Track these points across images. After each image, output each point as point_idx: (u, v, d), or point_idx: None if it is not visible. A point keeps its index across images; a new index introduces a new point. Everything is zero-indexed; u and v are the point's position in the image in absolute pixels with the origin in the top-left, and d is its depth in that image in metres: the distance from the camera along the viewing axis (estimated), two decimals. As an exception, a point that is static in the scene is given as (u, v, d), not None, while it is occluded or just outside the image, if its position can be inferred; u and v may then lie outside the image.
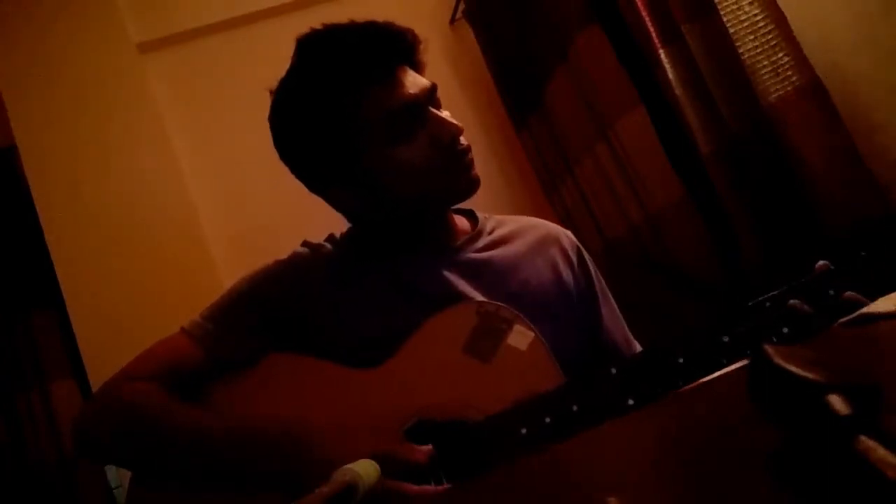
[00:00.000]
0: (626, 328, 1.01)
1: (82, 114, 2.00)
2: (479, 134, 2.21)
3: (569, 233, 1.04)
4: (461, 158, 0.85)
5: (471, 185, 0.87)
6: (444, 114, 0.87)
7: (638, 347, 0.99)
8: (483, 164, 2.36)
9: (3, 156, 2.09)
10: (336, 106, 0.83)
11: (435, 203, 0.90)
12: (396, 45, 0.85)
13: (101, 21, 2.07)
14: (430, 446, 0.73)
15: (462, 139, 0.85)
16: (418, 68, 0.88)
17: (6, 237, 2.09)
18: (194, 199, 2.02)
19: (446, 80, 2.23)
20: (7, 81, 1.99)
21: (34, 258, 2.00)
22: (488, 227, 0.99)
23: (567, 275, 0.96)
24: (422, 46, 0.88)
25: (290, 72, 0.89)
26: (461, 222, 0.99)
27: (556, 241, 1.00)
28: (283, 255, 0.97)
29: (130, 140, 2.01)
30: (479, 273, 0.91)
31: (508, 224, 1.01)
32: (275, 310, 0.89)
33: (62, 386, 2.01)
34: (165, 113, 2.07)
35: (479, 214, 1.01)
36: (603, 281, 1.02)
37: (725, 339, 0.71)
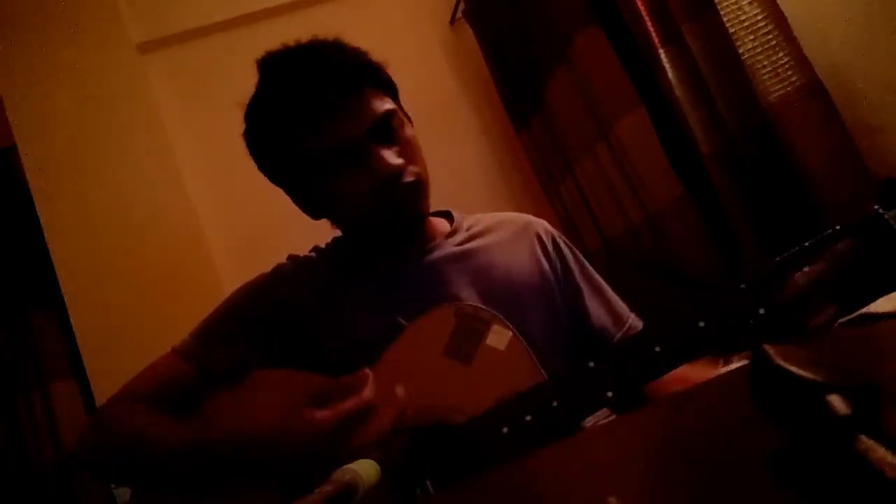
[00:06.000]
0: (619, 307, 1.01)
1: (82, 114, 2.00)
2: (479, 134, 2.21)
3: (544, 222, 1.05)
4: (399, 194, 0.85)
5: (411, 219, 0.89)
6: (408, 131, 0.88)
7: (637, 323, 1.00)
8: (483, 164, 2.36)
9: (3, 156, 2.09)
10: (282, 138, 0.87)
11: (381, 230, 0.91)
12: (341, 75, 0.84)
13: (101, 21, 2.07)
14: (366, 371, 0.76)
15: (407, 175, 0.85)
16: (383, 89, 0.89)
17: (6, 237, 2.09)
18: (194, 198, 2.02)
19: (446, 80, 2.23)
20: (7, 81, 1.99)
21: (34, 258, 2.00)
22: (465, 225, 1.01)
23: (544, 263, 0.98)
24: (382, 67, 0.89)
25: (252, 101, 0.91)
26: (440, 224, 1.01)
27: (533, 230, 1.02)
28: (283, 255, 0.99)
29: (130, 140, 2.00)
30: (459, 267, 0.93)
31: (484, 220, 1.03)
32: (261, 322, 0.91)
33: (62, 386, 2.01)
34: (165, 113, 2.07)
35: (456, 214, 1.03)
36: (586, 265, 1.02)
37: (701, 324, 0.70)
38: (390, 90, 0.91)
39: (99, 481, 1.78)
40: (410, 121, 0.93)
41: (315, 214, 0.95)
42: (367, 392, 0.75)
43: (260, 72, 0.90)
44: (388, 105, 0.87)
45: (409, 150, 0.88)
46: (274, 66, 0.88)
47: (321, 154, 0.84)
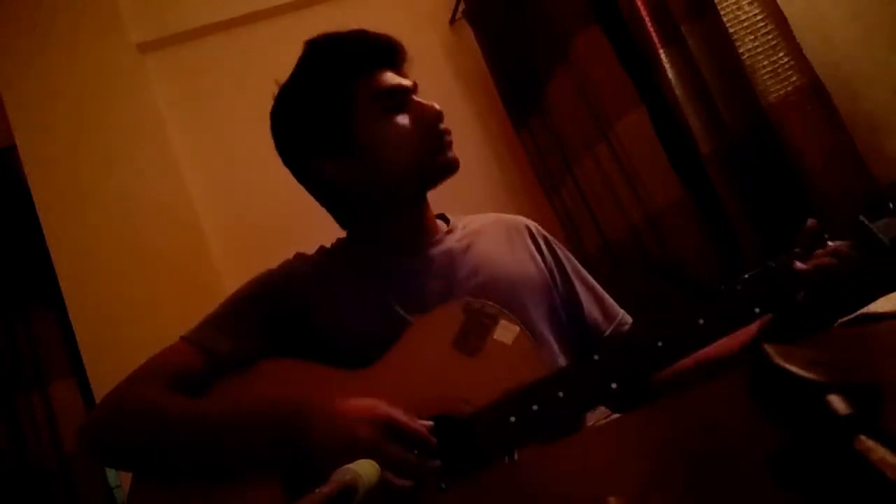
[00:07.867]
0: (609, 302, 1.03)
1: (82, 114, 2.00)
2: (479, 134, 2.21)
3: (531, 221, 1.08)
4: (441, 137, 0.93)
5: (450, 164, 0.94)
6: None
7: (627, 318, 1.02)
8: (483, 164, 2.36)
9: (3, 156, 2.09)
10: (334, 89, 0.93)
11: (416, 178, 0.94)
12: (389, 48, 0.96)
13: (101, 21, 2.07)
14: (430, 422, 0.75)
15: (443, 121, 0.93)
16: (402, 74, 0.98)
17: (6, 237, 2.10)
18: (194, 198, 2.02)
19: (446, 80, 2.23)
20: (7, 81, 1.99)
21: (34, 258, 2.01)
22: (460, 225, 1.04)
23: (539, 259, 1.01)
24: (409, 56, 0.99)
25: (296, 67, 0.97)
26: (439, 223, 1.04)
27: (525, 228, 1.05)
28: (283, 255, 1.00)
29: (130, 140, 2.00)
30: (461, 262, 0.95)
31: (477, 220, 1.07)
32: (272, 311, 0.92)
33: (62, 386, 2.02)
34: (165, 113, 2.07)
35: (451, 216, 1.07)
36: (575, 261, 1.05)
37: (701, 321, 0.75)
38: None
39: (103, 464, 1.78)
40: None
41: (338, 172, 0.95)
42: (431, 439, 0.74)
43: (313, 45, 0.96)
44: None
45: None
46: (332, 39, 0.96)
47: (375, 95, 0.92)
